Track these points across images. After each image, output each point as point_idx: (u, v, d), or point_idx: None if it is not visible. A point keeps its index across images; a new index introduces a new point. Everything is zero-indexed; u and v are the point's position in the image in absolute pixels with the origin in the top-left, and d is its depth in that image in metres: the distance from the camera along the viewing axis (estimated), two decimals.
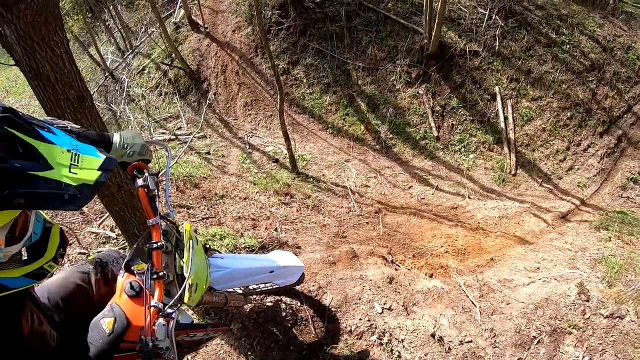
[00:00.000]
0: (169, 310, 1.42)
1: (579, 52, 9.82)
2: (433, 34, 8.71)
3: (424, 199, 7.81)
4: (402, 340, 2.95)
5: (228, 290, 2.22)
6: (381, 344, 2.91)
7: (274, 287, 2.47)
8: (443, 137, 8.68)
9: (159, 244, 1.45)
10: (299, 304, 3.08)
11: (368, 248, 4.78)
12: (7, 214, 0.77)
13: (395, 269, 4.37)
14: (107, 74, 11.78)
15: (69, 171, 0.89)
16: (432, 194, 7.95)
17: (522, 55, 9.35)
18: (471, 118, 8.76)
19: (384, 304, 3.28)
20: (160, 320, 1.35)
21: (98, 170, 0.98)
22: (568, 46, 9.78)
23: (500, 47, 9.32)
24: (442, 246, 5.86)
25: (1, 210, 0.73)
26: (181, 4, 10.94)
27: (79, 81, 2.15)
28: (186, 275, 1.54)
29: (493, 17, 9.62)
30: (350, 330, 2.96)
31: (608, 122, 9.43)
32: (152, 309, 1.35)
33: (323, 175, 8.19)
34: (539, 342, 3.16)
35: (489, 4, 9.87)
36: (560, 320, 3.37)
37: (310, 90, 9.51)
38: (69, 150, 0.95)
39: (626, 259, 4.58)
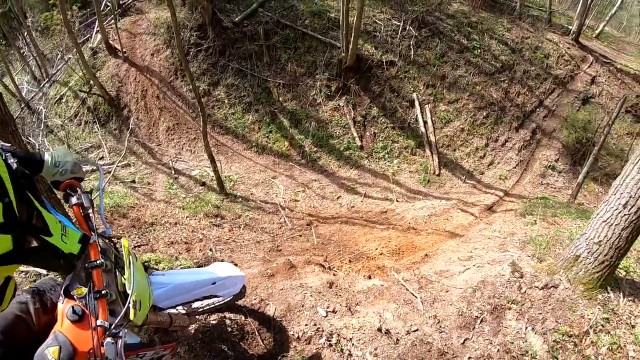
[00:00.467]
0: (116, 330, 1.36)
1: (490, 55, 10.38)
2: (350, 47, 8.93)
3: (353, 207, 7.85)
4: (351, 338, 2.99)
5: (172, 310, 2.16)
6: (330, 345, 2.94)
7: (217, 301, 2.42)
8: (366, 146, 8.82)
9: (98, 262, 1.40)
10: (243, 318, 3.05)
11: (304, 258, 4.80)
12: (12, 268, 0.78)
13: (334, 274, 4.39)
14: (23, 105, 11.15)
15: (61, 240, 1.05)
16: (361, 201, 8.02)
17: (437, 62, 9.76)
18: (392, 125, 8.99)
19: (327, 307, 3.31)
20: (109, 339, 1.30)
21: (79, 243, 1.14)
22: (479, 50, 10.31)
23: (415, 56, 9.69)
24: (376, 249, 5.93)
25: (14, 264, 0.73)
26: (98, 29, 10.63)
27: (2, 105, 2.16)
28: (129, 292, 1.49)
29: (407, 28, 10.00)
30: (298, 337, 2.96)
31: (522, 117, 9.98)
32: (98, 329, 1.30)
33: (251, 194, 8.09)
34: (482, 321, 3.27)
35: (402, 15, 10.28)
36: (498, 298, 3.49)
37: (233, 111, 9.44)
38: (59, 222, 1.12)
39: (552, 237, 4.82)
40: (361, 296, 3.67)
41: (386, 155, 8.77)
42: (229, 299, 2.47)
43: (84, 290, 1.38)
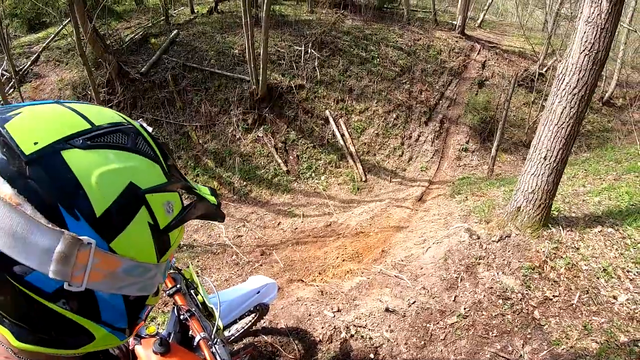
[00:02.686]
0: (216, 338, 1.40)
1: (388, 62, 11.26)
2: (260, 78, 9.33)
3: (297, 229, 8.17)
4: (365, 325, 3.40)
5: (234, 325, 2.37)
6: (352, 336, 3.30)
7: (259, 310, 2.60)
8: (292, 169, 9.23)
9: (178, 286, 1.48)
10: (265, 339, 3.32)
11: (284, 279, 5.12)
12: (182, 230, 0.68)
13: (317, 287, 4.66)
14: None
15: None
16: (302, 222, 8.37)
17: (342, 78, 10.45)
18: (312, 144, 9.49)
19: (332, 309, 3.67)
20: (216, 345, 1.33)
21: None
22: (378, 60, 11.17)
23: (321, 75, 10.31)
24: (337, 257, 6.28)
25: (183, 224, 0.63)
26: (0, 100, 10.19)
27: None
28: (211, 305, 1.57)
29: (309, 51, 10.62)
30: (320, 340, 3.28)
31: (428, 111, 10.91)
32: (201, 342, 1.31)
33: (194, 240, 8.16)
34: (461, 279, 3.87)
35: (302, 40, 10.89)
36: (467, 259, 4.13)
37: None
38: None
39: (487, 204, 5.54)
40: (354, 292, 4.09)
41: (313, 174, 9.23)
42: (267, 305, 2.68)
43: (154, 328, 1.36)
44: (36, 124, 0.45)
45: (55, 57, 11.24)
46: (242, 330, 2.83)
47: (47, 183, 0.42)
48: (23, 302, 0.44)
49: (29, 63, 11.10)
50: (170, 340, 1.16)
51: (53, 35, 11.75)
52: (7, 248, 0.41)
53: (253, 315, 2.73)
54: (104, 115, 0.51)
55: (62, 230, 0.42)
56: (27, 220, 0.41)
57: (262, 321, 3.50)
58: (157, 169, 0.53)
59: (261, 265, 6.69)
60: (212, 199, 0.65)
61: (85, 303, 0.47)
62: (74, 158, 0.44)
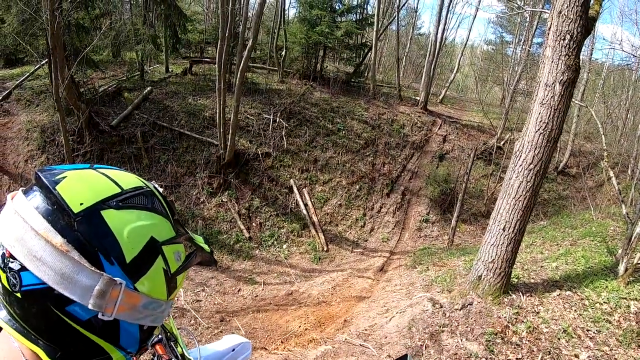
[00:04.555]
0: None
1: (353, 135, 11.81)
2: (228, 143, 9.50)
3: (257, 296, 7.99)
4: None
5: None
6: None
7: None
8: (255, 236, 9.21)
9: (159, 336, 1.34)
10: None
11: None
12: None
13: (280, 355, 4.47)
14: None
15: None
16: (262, 289, 8.21)
17: (307, 148, 10.82)
18: (276, 212, 9.58)
19: None
20: None
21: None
22: (344, 132, 11.70)
23: (288, 144, 10.64)
24: (299, 326, 6.14)
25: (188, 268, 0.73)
26: None
27: None
28: (187, 355, 1.46)
29: (277, 120, 11.02)
30: None
31: (390, 183, 11.34)
32: None
33: None
34: (426, 347, 3.88)
35: (271, 108, 11.33)
36: (431, 327, 4.16)
37: None
38: None
39: (449, 274, 5.64)
40: None
41: (275, 242, 9.23)
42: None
43: None
44: (80, 188, 0.58)
45: (27, 96, 11.06)
46: None
47: (90, 235, 0.55)
48: (58, 327, 0.57)
49: None
50: None
51: (28, 75, 11.62)
52: (56, 284, 0.54)
53: None
54: (129, 180, 0.65)
55: (102, 272, 0.55)
56: (75, 264, 0.54)
57: None
58: (168, 224, 0.66)
59: (221, 331, 6.47)
60: (206, 247, 0.79)
61: (109, 330, 0.60)
62: (110, 216, 0.57)
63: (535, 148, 3.90)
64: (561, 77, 3.74)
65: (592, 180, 13.03)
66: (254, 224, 9.41)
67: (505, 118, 13.06)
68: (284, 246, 9.30)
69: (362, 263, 9.15)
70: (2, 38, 11.06)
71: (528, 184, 3.96)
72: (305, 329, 6.10)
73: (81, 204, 0.56)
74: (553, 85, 3.77)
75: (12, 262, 0.55)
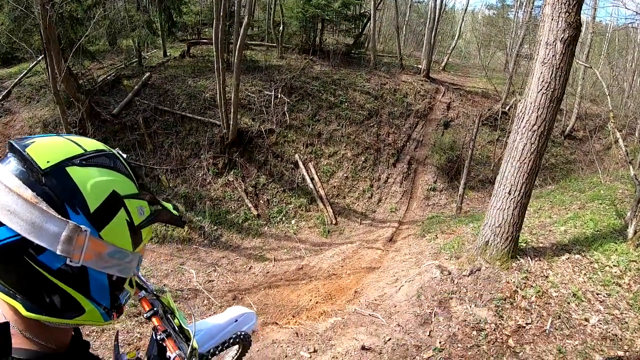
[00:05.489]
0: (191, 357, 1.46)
1: (356, 106, 11.67)
2: (230, 123, 9.46)
3: (268, 272, 8.10)
4: None
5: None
6: None
7: (240, 338, 2.53)
8: (263, 214, 9.27)
9: (155, 309, 1.47)
10: None
11: (257, 323, 4.89)
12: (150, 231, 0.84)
13: (291, 329, 4.56)
14: None
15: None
16: (273, 265, 8.31)
17: (311, 122, 10.73)
18: (282, 189, 9.59)
19: (308, 349, 3.62)
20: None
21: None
22: (346, 104, 11.56)
23: (291, 120, 10.56)
24: (310, 300, 6.20)
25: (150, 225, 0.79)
26: None
27: None
28: (185, 327, 1.58)
29: (279, 96, 10.91)
30: None
31: (396, 153, 11.26)
32: (176, 358, 1.35)
33: (164, 285, 7.95)
34: (435, 314, 3.89)
35: (272, 85, 11.20)
36: (440, 294, 4.14)
37: None
38: None
39: (457, 241, 5.61)
40: (330, 333, 4.04)
41: (283, 218, 9.28)
42: (250, 332, 2.69)
43: (135, 353, 1.44)
44: (47, 149, 0.64)
45: (27, 93, 11.11)
46: None
47: (56, 188, 0.61)
48: (33, 279, 0.62)
49: None
50: None
51: (25, 72, 11.64)
52: (27, 233, 0.59)
53: (237, 348, 2.76)
54: (93, 144, 0.71)
55: (67, 220, 0.60)
56: (43, 214, 0.59)
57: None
58: (131, 183, 0.73)
59: None
60: (174, 211, 0.86)
61: (79, 280, 0.65)
62: (74, 172, 0.63)
63: (538, 109, 3.80)
64: (562, 35, 3.63)
65: (599, 144, 12.82)
66: (261, 201, 9.45)
67: (509, 83, 12.79)
68: (293, 221, 9.35)
69: (371, 234, 9.17)
70: None
71: (532, 145, 3.89)
72: (316, 303, 6.17)
73: (48, 161, 0.62)
74: (554, 43, 3.66)
75: None
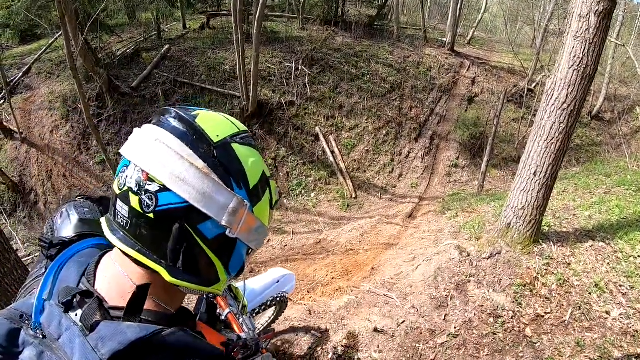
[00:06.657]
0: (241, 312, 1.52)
1: (379, 79, 11.39)
2: (250, 95, 9.37)
3: (286, 246, 8.13)
4: (353, 346, 3.33)
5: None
6: (339, 357, 3.22)
7: (280, 300, 2.66)
8: (282, 186, 9.24)
9: None
10: None
11: None
12: None
13: (305, 305, 4.60)
14: None
15: None
16: (291, 239, 8.34)
17: (332, 94, 10.53)
18: (302, 161, 9.52)
19: (319, 329, 3.62)
20: (243, 317, 1.46)
21: None
22: (368, 76, 11.29)
23: (312, 92, 10.38)
24: (327, 275, 6.19)
25: None
26: None
27: None
28: (233, 286, 1.64)
29: (299, 68, 10.71)
30: (303, 356, 3.21)
31: (418, 128, 11.01)
32: (229, 314, 1.44)
33: None
34: (451, 297, 3.78)
35: (293, 56, 10.99)
36: (458, 276, 4.03)
37: None
38: None
39: (477, 221, 5.48)
40: (343, 312, 4.01)
41: (303, 191, 9.25)
42: (286, 297, 2.75)
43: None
44: (213, 123, 0.67)
45: (46, 69, 11.22)
46: (266, 324, 2.87)
47: (226, 162, 0.64)
48: (186, 246, 0.63)
49: (20, 74, 11.07)
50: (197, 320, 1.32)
51: (45, 48, 11.74)
52: (196, 202, 0.60)
53: (274, 309, 2.79)
54: (240, 124, 0.73)
55: (235, 193, 0.63)
56: (215, 184, 0.61)
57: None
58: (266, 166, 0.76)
59: None
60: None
61: (226, 250, 0.68)
62: (237, 149, 0.66)
63: (569, 86, 3.53)
64: (596, 7, 3.32)
65: (627, 127, 12.23)
66: (281, 173, 9.41)
67: (536, 59, 12.23)
68: (312, 195, 9.31)
69: (390, 209, 9.06)
70: (14, 16, 11.04)
71: (561, 125, 3.64)
72: (332, 278, 6.14)
73: (217, 135, 0.65)
74: (587, 16, 3.36)
75: (149, 185, 0.60)
